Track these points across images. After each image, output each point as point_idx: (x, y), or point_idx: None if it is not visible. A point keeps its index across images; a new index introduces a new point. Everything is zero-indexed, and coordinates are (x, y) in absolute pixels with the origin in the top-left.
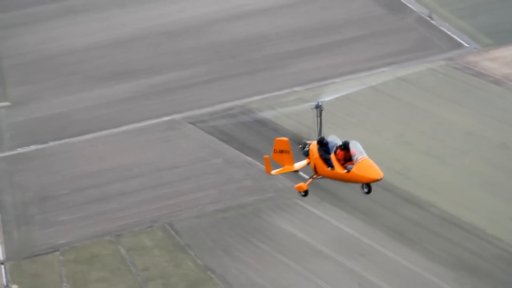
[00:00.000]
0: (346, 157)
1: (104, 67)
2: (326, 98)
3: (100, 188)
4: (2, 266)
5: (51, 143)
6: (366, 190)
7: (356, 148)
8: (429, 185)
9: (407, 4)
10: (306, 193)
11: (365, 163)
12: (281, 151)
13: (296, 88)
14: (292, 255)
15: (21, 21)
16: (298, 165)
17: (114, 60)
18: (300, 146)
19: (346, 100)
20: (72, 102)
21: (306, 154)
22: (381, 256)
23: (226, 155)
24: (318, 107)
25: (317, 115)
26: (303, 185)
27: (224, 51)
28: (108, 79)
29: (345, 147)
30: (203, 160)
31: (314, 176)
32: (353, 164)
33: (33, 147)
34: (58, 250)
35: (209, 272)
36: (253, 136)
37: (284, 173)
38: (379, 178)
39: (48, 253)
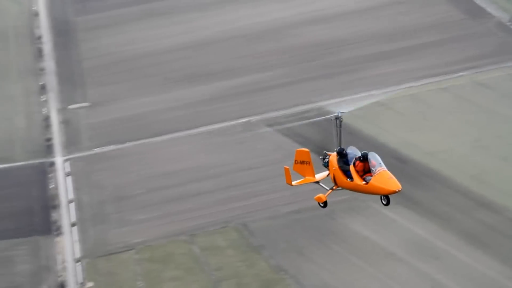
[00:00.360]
0: (365, 169)
1: (183, 69)
2: (345, 109)
3: (176, 188)
4: (78, 263)
5: (128, 144)
6: (384, 202)
7: (375, 159)
8: (505, 190)
9: (487, 9)
10: (325, 204)
11: (383, 174)
12: (302, 162)
13: (373, 92)
14: (365, 257)
15: (103, 24)
16: (319, 176)
17: (193, 62)
18: (321, 157)
19: (422, 104)
20: (150, 103)
21: (326, 165)
22: (454, 259)
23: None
24: (338, 118)
25: (336, 126)
26: (323, 197)
27: (302, 54)
28: (187, 81)
29: (364, 158)
30: (278, 162)
31: (334, 187)
32: (371, 176)
33: (111, 147)
34: (133, 249)
35: (281, 272)
36: (329, 139)
37: (305, 184)
38: (397, 190)
39: (123, 251)
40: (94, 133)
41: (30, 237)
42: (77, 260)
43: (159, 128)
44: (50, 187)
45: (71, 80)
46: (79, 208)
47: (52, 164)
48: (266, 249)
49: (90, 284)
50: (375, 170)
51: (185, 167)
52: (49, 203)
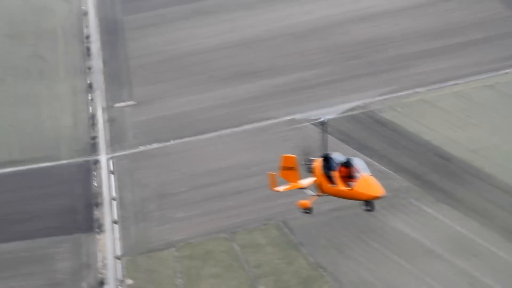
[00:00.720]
0: (349, 175)
1: (229, 68)
2: (331, 115)
3: (218, 186)
4: (119, 261)
5: (173, 142)
6: (367, 207)
7: (359, 165)
8: None
9: None
10: (310, 210)
11: (367, 180)
12: (288, 168)
13: (418, 89)
14: (404, 255)
15: (150, 23)
16: (305, 182)
17: (239, 60)
18: (304, 162)
19: (467, 100)
20: (195, 101)
21: (309, 171)
22: (494, 257)
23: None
24: (324, 123)
25: (322, 131)
26: (307, 203)
27: (348, 52)
28: (232, 79)
29: (348, 164)
30: None
31: (319, 193)
32: (355, 181)
33: (155, 145)
34: (173, 246)
35: (320, 269)
36: (372, 136)
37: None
38: (379, 195)
39: (163, 249)
40: (139, 131)
41: (72, 234)
42: (118, 258)
43: (204, 126)
44: (94, 185)
45: (117, 79)
46: (121, 206)
47: (96, 162)
48: (306, 246)
49: (130, 281)
50: (359, 175)
51: (228, 165)
52: (92, 201)
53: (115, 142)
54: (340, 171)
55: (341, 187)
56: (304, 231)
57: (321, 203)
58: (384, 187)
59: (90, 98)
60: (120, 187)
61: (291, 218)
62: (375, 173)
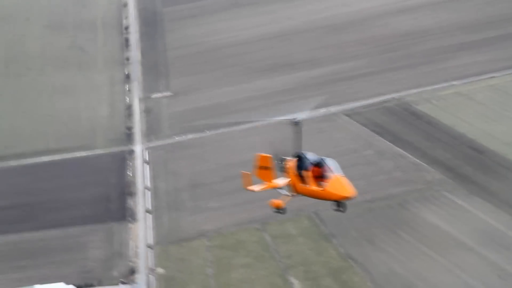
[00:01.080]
0: (321, 175)
1: (266, 59)
2: (303, 115)
3: None
4: (150, 250)
5: (208, 133)
6: (338, 208)
7: (331, 165)
8: None
9: None
10: (283, 211)
11: (338, 180)
12: (263, 167)
13: (454, 82)
14: (436, 247)
15: (189, 14)
16: (280, 181)
17: (276, 52)
18: (277, 161)
19: (503, 93)
20: (232, 92)
21: (283, 171)
22: None
23: (378, 147)
24: (297, 123)
25: (296, 132)
26: (281, 203)
27: (386, 44)
28: (269, 71)
29: (320, 164)
30: (354, 152)
31: (293, 193)
32: (327, 181)
33: (190, 136)
34: (205, 236)
35: (351, 260)
36: (407, 129)
37: (266, 189)
38: (350, 196)
39: (195, 238)
40: (175, 122)
41: (105, 223)
42: (149, 247)
43: (238, 118)
44: (128, 174)
45: (155, 70)
46: (155, 196)
47: (131, 152)
48: (337, 237)
49: (161, 270)
50: (331, 176)
51: None
52: (125, 191)
53: (150, 132)
54: (312, 171)
55: (313, 187)
56: (335, 222)
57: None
58: (418, 179)
59: (127, 88)
60: (154, 177)
61: (323, 209)
62: (407, 165)
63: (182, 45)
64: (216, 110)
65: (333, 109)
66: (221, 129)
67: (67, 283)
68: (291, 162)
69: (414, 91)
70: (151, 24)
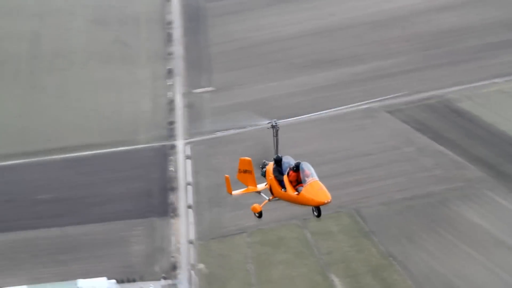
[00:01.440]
0: (299, 179)
1: (308, 55)
2: (281, 119)
3: None
4: (191, 245)
5: (249, 128)
6: (316, 213)
7: (308, 169)
8: None
9: None
10: (260, 214)
11: (314, 185)
12: (245, 171)
13: (496, 80)
14: (476, 246)
15: (233, 10)
16: (260, 186)
17: (318, 48)
18: (260, 166)
19: None
20: (274, 88)
21: (264, 175)
22: None
23: (419, 144)
24: (274, 126)
25: (273, 135)
26: (257, 207)
27: (428, 41)
28: (311, 67)
29: (297, 168)
30: (395, 148)
31: (270, 197)
32: (303, 186)
33: (231, 132)
34: (245, 232)
35: (390, 258)
36: (448, 126)
37: (246, 193)
38: (325, 201)
39: (236, 234)
40: (217, 117)
41: (147, 218)
42: (191, 242)
43: (281, 113)
44: (170, 169)
45: (198, 65)
46: (196, 191)
47: (173, 147)
48: (377, 235)
49: (202, 265)
50: (307, 180)
51: (303, 152)
52: (167, 186)
53: (192, 127)
54: (289, 176)
55: (290, 192)
56: (376, 220)
57: (394, 192)
58: (458, 177)
59: (169, 83)
60: (195, 172)
61: (364, 206)
62: (448, 163)
63: (225, 40)
64: (258, 106)
65: (374, 105)
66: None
67: (109, 277)
68: (271, 167)
69: (456, 88)
70: (194, 19)
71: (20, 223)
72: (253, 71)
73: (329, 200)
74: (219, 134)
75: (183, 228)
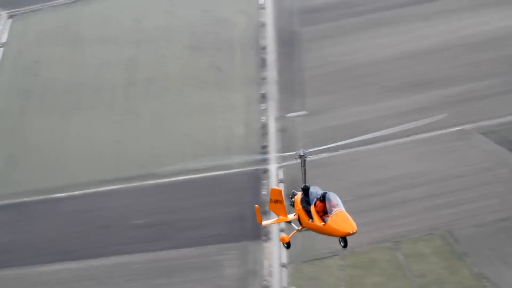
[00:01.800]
0: (325, 209)
1: (401, 78)
2: (309, 149)
3: (384, 195)
4: (284, 268)
5: (342, 151)
6: (342, 244)
7: (334, 200)
8: None
9: None
10: (288, 245)
11: (339, 216)
12: (276, 201)
13: None
14: None
15: (328, 34)
16: (291, 216)
17: (412, 71)
18: (290, 196)
19: None
20: (366, 112)
21: (292, 205)
22: None
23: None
24: (302, 156)
25: (301, 165)
26: (286, 237)
27: None
28: (404, 90)
29: (323, 198)
30: (488, 170)
31: (299, 228)
32: (329, 217)
33: (323, 155)
34: (338, 255)
35: (484, 280)
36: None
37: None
38: (351, 232)
39: (328, 257)
40: (309, 141)
41: (240, 242)
42: (283, 265)
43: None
44: (263, 193)
45: (291, 89)
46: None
47: (266, 171)
48: (470, 256)
49: None
50: (333, 211)
51: (395, 175)
52: (260, 210)
53: (285, 151)
54: (316, 206)
55: (317, 222)
56: (469, 241)
57: (487, 213)
58: None
59: (263, 108)
60: (287, 196)
61: (457, 228)
62: None
63: (319, 64)
64: (350, 129)
65: (467, 127)
66: (354, 148)
67: None
68: (299, 197)
69: None
70: (288, 44)
71: (115, 248)
72: (346, 94)
73: (355, 231)
74: (310, 158)
75: (276, 251)
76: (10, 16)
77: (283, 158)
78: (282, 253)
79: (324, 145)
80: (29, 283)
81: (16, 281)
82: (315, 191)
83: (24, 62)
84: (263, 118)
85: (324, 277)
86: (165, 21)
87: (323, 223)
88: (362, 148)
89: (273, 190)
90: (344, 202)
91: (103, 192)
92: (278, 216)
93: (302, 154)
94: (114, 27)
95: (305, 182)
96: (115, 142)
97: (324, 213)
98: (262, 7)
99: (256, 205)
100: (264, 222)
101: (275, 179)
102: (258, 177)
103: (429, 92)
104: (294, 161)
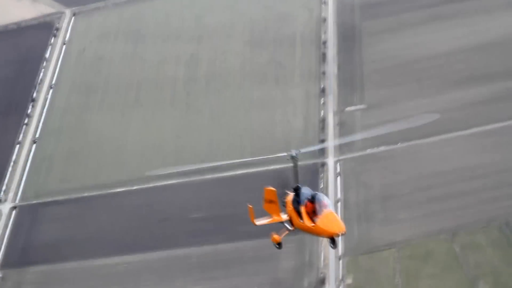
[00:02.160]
0: (315, 210)
1: (462, 71)
2: (303, 149)
3: (442, 187)
4: (340, 260)
5: (400, 144)
6: (331, 244)
7: (323, 200)
8: None
9: None
10: (279, 245)
11: (328, 216)
12: (270, 201)
13: None
14: None
15: (388, 28)
16: (285, 216)
17: (473, 64)
18: (281, 196)
19: None
20: (425, 105)
21: (284, 205)
22: None
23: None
24: (294, 157)
25: (293, 166)
26: (277, 237)
27: None
28: (464, 83)
29: (313, 199)
30: None
31: (291, 228)
32: (318, 217)
33: (382, 148)
34: (394, 247)
35: None
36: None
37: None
38: (339, 232)
39: (384, 249)
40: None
41: (297, 235)
42: (339, 257)
43: (432, 129)
44: (320, 187)
45: (350, 83)
46: (345, 207)
47: (323, 164)
48: None
49: (349, 280)
50: (322, 211)
51: (453, 167)
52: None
53: (343, 145)
54: (306, 206)
55: (307, 222)
56: None
57: None
58: None
59: (322, 102)
60: (345, 189)
61: None
62: None
63: (379, 58)
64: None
65: None
66: (413, 141)
67: None
68: (290, 197)
69: None
70: (349, 38)
71: (173, 241)
72: (405, 88)
73: (343, 232)
74: (369, 151)
75: None
76: (73, 14)
77: (341, 152)
78: (339, 246)
79: (320, 145)
80: (88, 275)
81: (76, 274)
82: (306, 192)
83: (86, 59)
84: (322, 112)
85: (380, 269)
86: (227, 17)
87: (313, 223)
88: (421, 141)
89: (267, 190)
90: (402, 195)
91: (162, 187)
92: (272, 216)
93: (294, 154)
94: (176, 24)
95: (297, 182)
96: (175, 137)
97: (314, 213)
98: (324, 2)
99: (250, 205)
100: (258, 222)
101: (332, 172)
102: (316, 170)
103: (489, 84)
104: (351, 155)
